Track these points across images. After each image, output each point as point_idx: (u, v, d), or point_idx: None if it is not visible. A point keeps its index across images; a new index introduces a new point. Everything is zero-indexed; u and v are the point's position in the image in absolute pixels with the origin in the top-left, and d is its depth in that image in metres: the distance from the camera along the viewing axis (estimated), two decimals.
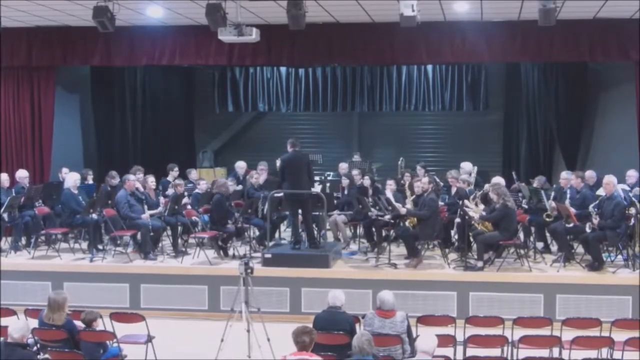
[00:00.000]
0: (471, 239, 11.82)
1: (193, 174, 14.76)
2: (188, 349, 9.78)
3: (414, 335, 7.60)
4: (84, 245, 12.92)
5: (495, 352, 8.08)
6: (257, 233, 13.06)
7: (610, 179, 11.11)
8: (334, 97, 19.04)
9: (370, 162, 16.94)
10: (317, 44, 13.59)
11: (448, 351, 7.82)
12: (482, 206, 11.53)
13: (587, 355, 7.69)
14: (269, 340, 8.79)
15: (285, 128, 19.99)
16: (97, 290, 11.50)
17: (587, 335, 8.18)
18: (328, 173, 16.45)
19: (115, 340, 8.19)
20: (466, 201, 11.65)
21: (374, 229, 12.57)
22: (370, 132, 19.89)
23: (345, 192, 13.29)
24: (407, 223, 11.68)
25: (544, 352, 8.10)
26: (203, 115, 20.38)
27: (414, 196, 11.89)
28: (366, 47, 13.60)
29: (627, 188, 12.07)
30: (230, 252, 12.46)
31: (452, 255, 12.10)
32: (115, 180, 13.16)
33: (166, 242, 12.99)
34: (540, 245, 12.34)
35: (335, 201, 13.20)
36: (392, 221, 11.98)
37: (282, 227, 14.01)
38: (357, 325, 7.98)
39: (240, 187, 13.82)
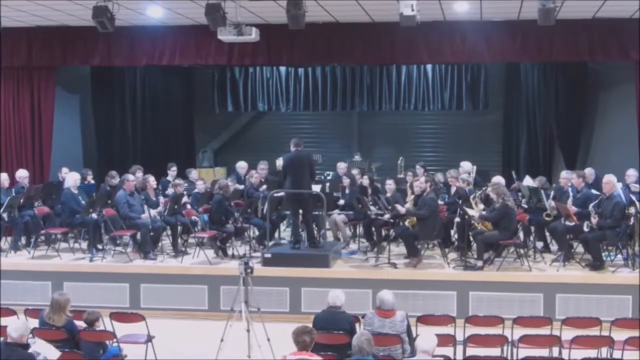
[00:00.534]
0: (471, 239, 11.82)
1: (193, 173, 14.77)
2: (188, 349, 9.78)
3: (414, 334, 7.60)
4: (84, 245, 12.91)
5: (495, 351, 8.09)
6: (257, 233, 13.06)
7: (609, 178, 11.12)
8: (333, 96, 19.05)
9: (369, 162, 16.95)
10: (317, 43, 13.59)
11: (448, 351, 7.82)
12: (481, 206, 11.53)
13: (587, 355, 7.69)
14: (269, 340, 8.79)
15: (285, 128, 20.00)
16: (97, 290, 11.50)
17: (587, 335, 8.18)
18: (328, 173, 16.45)
19: (115, 340, 8.19)
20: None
21: (373, 229, 12.57)
22: (370, 132, 19.89)
23: (347, 191, 13.28)
24: (406, 223, 11.68)
25: (544, 352, 8.10)
26: (203, 115, 20.39)
27: (413, 196, 11.89)
28: (366, 47, 13.60)
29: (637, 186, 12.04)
30: (230, 251, 12.46)
31: (452, 255, 12.11)
32: (115, 180, 13.16)
33: (166, 241, 12.99)
34: (540, 244, 12.35)
35: (341, 201, 13.20)
36: (392, 221, 11.98)
37: (282, 226, 14.01)
38: (357, 325, 7.98)
39: (241, 186, 13.84)
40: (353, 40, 13.53)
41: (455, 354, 7.97)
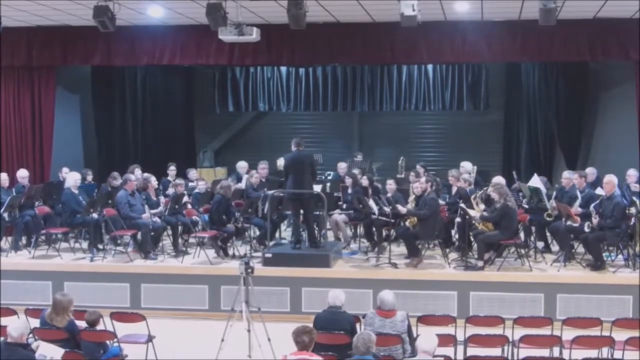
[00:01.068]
0: (471, 239, 11.82)
1: (191, 173, 14.78)
2: (188, 349, 9.79)
3: (415, 334, 7.60)
4: (85, 244, 12.92)
5: (496, 351, 8.08)
6: (258, 233, 13.06)
7: (610, 178, 11.11)
8: (334, 96, 19.04)
9: (370, 162, 16.95)
10: (318, 43, 13.59)
11: (448, 351, 7.82)
12: (482, 206, 11.52)
13: (588, 355, 7.69)
14: (269, 340, 8.79)
15: (285, 128, 19.99)
16: (98, 290, 11.50)
17: (588, 335, 8.18)
18: (328, 172, 16.45)
19: (115, 340, 8.19)
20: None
21: (374, 229, 12.57)
22: (370, 132, 19.89)
23: (349, 191, 13.27)
24: (407, 223, 11.68)
25: (545, 352, 8.10)
26: (203, 115, 20.39)
27: (413, 195, 11.88)
28: (366, 47, 13.60)
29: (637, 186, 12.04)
30: (231, 251, 12.45)
31: (453, 255, 12.10)
32: (117, 181, 13.19)
33: (166, 241, 12.99)
34: (540, 244, 12.35)
35: (344, 203, 13.20)
36: (393, 221, 11.98)
37: (283, 226, 14.01)
38: (357, 325, 7.98)
39: (242, 185, 13.84)
40: (354, 40, 13.53)
41: (455, 354, 7.97)
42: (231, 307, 9.10)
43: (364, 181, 13.07)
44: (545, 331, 8.50)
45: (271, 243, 12.53)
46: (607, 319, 8.78)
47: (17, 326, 7.00)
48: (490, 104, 18.68)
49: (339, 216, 13.00)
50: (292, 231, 12.58)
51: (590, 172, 12.78)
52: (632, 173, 12.34)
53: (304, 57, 14.20)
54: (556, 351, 8.16)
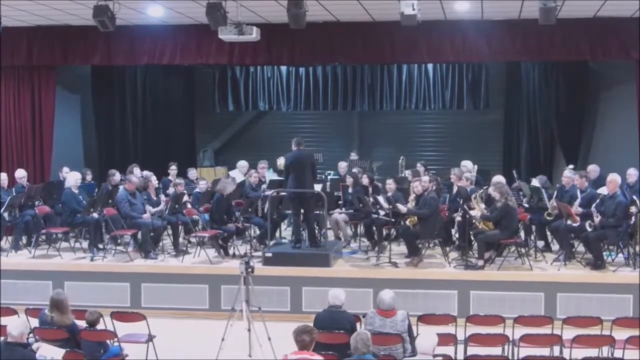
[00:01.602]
0: (472, 238, 11.81)
1: (191, 173, 14.79)
2: (189, 349, 9.79)
3: (415, 334, 7.59)
4: (85, 244, 12.92)
5: (496, 350, 8.09)
6: (258, 232, 13.06)
7: (613, 177, 11.12)
8: (334, 96, 19.03)
9: (371, 161, 16.95)
10: (318, 43, 13.59)
11: (449, 350, 7.82)
12: (483, 205, 11.52)
13: (588, 354, 7.69)
14: (269, 339, 8.80)
15: (285, 127, 19.99)
16: (98, 290, 11.50)
17: (588, 334, 8.18)
18: (328, 172, 16.45)
19: (116, 339, 8.19)
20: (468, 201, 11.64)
21: (374, 228, 12.57)
22: (370, 131, 19.88)
23: (350, 190, 13.26)
24: (407, 222, 11.68)
25: (545, 351, 8.10)
26: (203, 115, 20.38)
27: (414, 195, 11.87)
28: (367, 46, 13.60)
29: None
30: (231, 251, 12.46)
31: (453, 254, 12.10)
32: (116, 177, 13.18)
33: (167, 241, 12.99)
34: (541, 244, 12.35)
35: (344, 203, 13.20)
36: (393, 220, 11.99)
37: (283, 226, 14.01)
38: (357, 324, 7.98)
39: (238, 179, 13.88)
40: (354, 40, 13.53)
41: (456, 353, 7.96)
42: (231, 307, 9.11)
43: (365, 180, 13.07)
44: (545, 330, 8.49)
45: (271, 242, 12.54)
46: (607, 318, 8.76)
47: (17, 326, 6.99)
48: (491, 104, 18.67)
49: (339, 215, 13.00)
50: (293, 230, 12.59)
51: (593, 169, 12.77)
52: (632, 172, 12.33)
53: (304, 56, 14.19)
54: (556, 350, 8.16)
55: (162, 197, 13.13)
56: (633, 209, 11.16)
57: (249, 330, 8.91)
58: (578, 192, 11.69)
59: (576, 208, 11.34)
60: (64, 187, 12.85)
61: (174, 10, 12.51)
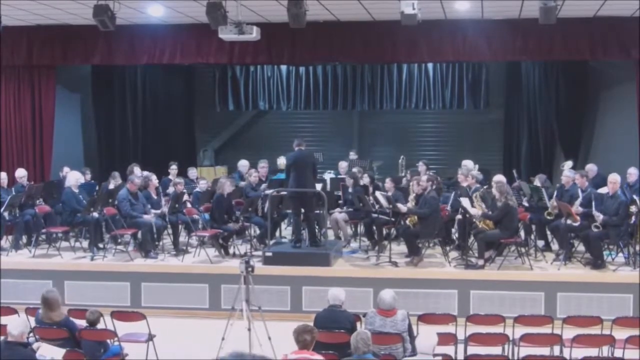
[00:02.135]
0: (472, 237, 11.81)
1: (191, 172, 14.79)
2: (189, 348, 9.78)
3: (415, 333, 7.60)
4: (85, 243, 12.92)
5: (496, 350, 8.09)
6: (258, 231, 13.06)
7: (615, 177, 11.12)
8: (334, 95, 19.03)
9: (371, 161, 16.95)
10: (318, 42, 13.59)
11: (449, 349, 7.82)
12: (483, 204, 11.51)
13: (588, 354, 7.70)
14: (270, 338, 8.79)
15: (285, 126, 19.98)
16: (98, 289, 11.51)
17: (588, 334, 8.19)
18: (329, 171, 16.44)
19: (116, 338, 8.18)
20: (467, 199, 11.63)
21: (374, 227, 12.57)
22: (370, 131, 19.87)
23: (350, 190, 13.26)
24: (407, 221, 11.68)
25: (545, 350, 8.11)
26: (203, 114, 20.37)
27: (414, 194, 11.87)
28: (367, 46, 13.60)
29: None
30: (231, 250, 12.46)
31: (453, 254, 12.10)
32: (117, 181, 13.19)
33: (167, 240, 13.00)
34: (541, 243, 12.35)
35: (344, 203, 13.20)
36: (393, 219, 11.98)
37: (283, 225, 14.01)
38: (358, 324, 7.98)
39: (243, 183, 13.87)
40: (354, 39, 13.54)
41: (456, 352, 7.96)
42: (232, 306, 9.10)
43: (365, 179, 13.07)
44: (545, 330, 8.49)
45: (271, 242, 12.53)
46: (607, 317, 8.77)
47: (17, 325, 6.99)
48: (491, 103, 18.67)
49: (339, 215, 13.00)
50: (293, 230, 12.59)
51: (591, 168, 12.77)
52: (632, 172, 12.33)
53: (304, 55, 14.19)
54: (556, 350, 8.16)
55: (163, 202, 13.08)
56: (633, 209, 11.15)
57: (249, 329, 8.90)
58: (579, 192, 11.69)
59: (577, 207, 11.33)
60: (64, 187, 12.85)
61: (174, 10, 12.51)
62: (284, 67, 19.03)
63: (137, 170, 13.43)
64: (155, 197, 12.88)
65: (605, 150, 15.99)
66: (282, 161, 16.69)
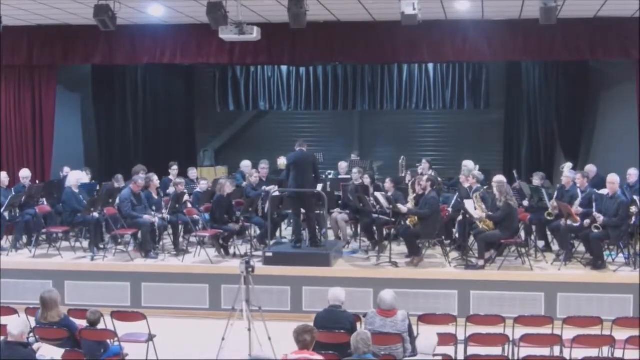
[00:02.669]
0: (472, 238, 11.81)
1: (192, 172, 14.79)
2: (189, 348, 9.78)
3: (415, 333, 7.60)
4: (85, 244, 12.92)
5: (497, 350, 8.09)
6: (258, 232, 13.06)
7: (614, 178, 11.11)
8: (335, 95, 19.05)
9: (371, 161, 16.95)
10: (318, 42, 13.59)
11: (449, 350, 7.81)
12: (483, 205, 11.50)
13: (588, 354, 7.69)
14: (270, 339, 8.78)
15: (286, 127, 20.01)
16: (98, 289, 11.51)
17: (588, 334, 8.18)
18: (329, 172, 16.44)
19: (116, 339, 8.19)
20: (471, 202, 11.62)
21: (374, 228, 12.56)
22: (371, 131, 19.89)
23: (371, 192, 13.21)
24: (407, 222, 11.68)
25: (545, 351, 8.10)
26: (204, 114, 20.39)
27: (415, 194, 11.86)
28: (367, 46, 13.60)
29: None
30: (232, 250, 12.46)
31: (453, 254, 12.10)
32: (121, 184, 13.19)
33: (167, 240, 12.99)
34: (541, 243, 12.34)
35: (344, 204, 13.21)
36: (393, 220, 11.98)
37: (283, 225, 14.01)
38: (358, 324, 7.98)
39: (245, 184, 13.88)
40: (354, 39, 13.53)
41: (456, 353, 7.96)
42: (232, 306, 9.10)
43: (366, 180, 13.07)
44: (545, 330, 8.49)
45: (272, 242, 12.53)
46: (607, 318, 8.76)
47: (18, 325, 6.99)
48: (491, 103, 18.68)
49: (339, 215, 13.00)
50: (293, 230, 12.58)
51: (590, 169, 12.76)
52: (632, 172, 12.33)
53: (305, 56, 14.19)
54: (557, 350, 8.16)
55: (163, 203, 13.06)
56: (633, 209, 11.15)
57: (249, 329, 8.90)
58: (579, 192, 11.68)
59: (576, 208, 11.33)
60: (65, 187, 12.85)
61: (174, 10, 12.51)
62: (284, 68, 19.05)
63: (142, 174, 13.28)
64: (156, 197, 12.88)
65: (605, 150, 15.98)
66: (282, 161, 16.69)
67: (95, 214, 12.34)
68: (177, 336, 10.17)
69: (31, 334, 7.78)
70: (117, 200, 12.45)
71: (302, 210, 11.88)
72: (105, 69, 16.23)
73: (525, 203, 12.46)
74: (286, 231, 13.98)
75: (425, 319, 8.64)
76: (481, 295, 10.93)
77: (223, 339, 8.88)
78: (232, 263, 11.54)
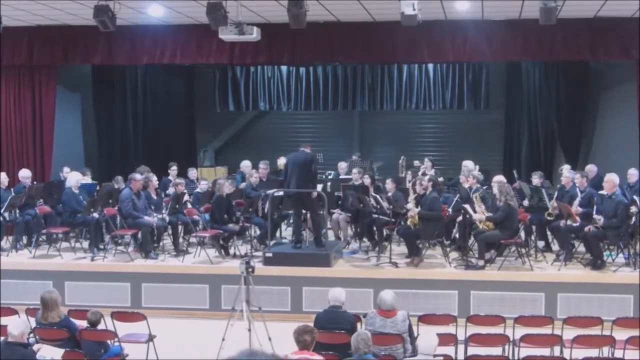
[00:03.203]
0: (472, 238, 11.81)
1: (192, 172, 14.79)
2: (189, 348, 9.78)
3: (415, 334, 7.60)
4: (85, 244, 12.91)
5: (497, 351, 8.09)
6: (258, 232, 13.06)
7: (610, 177, 11.10)
8: (334, 95, 19.06)
9: (371, 161, 16.95)
10: (318, 42, 13.60)
11: (449, 350, 7.81)
12: (483, 206, 11.50)
13: (588, 354, 7.69)
14: (270, 339, 8.79)
15: (286, 127, 20.01)
16: (98, 290, 11.51)
17: (588, 334, 8.19)
18: (329, 172, 16.45)
19: (116, 339, 8.19)
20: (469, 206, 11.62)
21: (374, 228, 12.56)
22: (371, 131, 19.89)
23: (389, 194, 13.20)
24: (408, 222, 11.68)
25: (545, 351, 8.10)
26: (204, 114, 20.39)
27: (415, 194, 11.85)
28: (367, 46, 13.61)
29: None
30: (232, 251, 12.47)
31: (453, 254, 12.10)
32: (121, 186, 13.19)
33: (167, 241, 12.99)
34: (541, 244, 12.35)
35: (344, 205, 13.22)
36: (393, 220, 11.98)
37: (283, 226, 14.01)
38: (358, 324, 7.98)
39: (244, 184, 13.87)
40: (354, 40, 13.54)
41: (456, 353, 7.96)
42: (232, 307, 9.10)
43: (366, 180, 13.07)
44: (545, 330, 8.49)
45: (272, 242, 12.54)
46: (607, 318, 8.77)
47: (18, 325, 7.00)
48: (491, 103, 18.69)
49: (339, 215, 13.00)
50: (293, 230, 12.58)
51: (590, 169, 12.76)
52: (633, 172, 12.33)
53: (305, 56, 14.20)
54: (557, 350, 8.16)
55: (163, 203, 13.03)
56: (633, 209, 11.15)
57: (249, 330, 8.90)
58: (578, 192, 11.68)
59: (576, 208, 11.33)
60: (65, 187, 12.85)
61: (174, 10, 12.51)
62: (284, 68, 19.05)
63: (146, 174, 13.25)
64: (155, 197, 12.88)
65: (605, 150, 15.99)
66: (282, 161, 16.69)
67: (95, 215, 12.35)
68: (177, 336, 10.17)
69: (31, 335, 7.79)
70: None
71: (303, 211, 11.87)
72: (105, 69, 16.24)
73: (526, 203, 12.47)
74: (286, 231, 13.98)
75: (426, 319, 8.64)
76: (481, 296, 10.93)
77: (223, 339, 8.88)
78: (232, 263, 11.53)
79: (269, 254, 11.57)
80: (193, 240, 12.88)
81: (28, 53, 14.16)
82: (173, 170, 14.20)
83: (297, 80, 19.20)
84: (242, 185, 13.98)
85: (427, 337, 6.70)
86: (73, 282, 11.61)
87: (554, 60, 15.95)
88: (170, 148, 18.10)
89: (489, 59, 15.66)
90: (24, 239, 12.97)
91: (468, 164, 13.94)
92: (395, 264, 11.51)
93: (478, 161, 14.89)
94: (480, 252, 11.31)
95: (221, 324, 9.06)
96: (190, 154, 19.84)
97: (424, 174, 13.69)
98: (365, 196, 12.23)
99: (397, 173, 15.53)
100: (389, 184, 12.60)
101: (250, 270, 8.94)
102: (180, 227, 12.89)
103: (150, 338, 8.59)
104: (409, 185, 12.63)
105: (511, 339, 8.13)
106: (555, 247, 12.26)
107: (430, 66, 18.44)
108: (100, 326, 8.10)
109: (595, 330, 8.47)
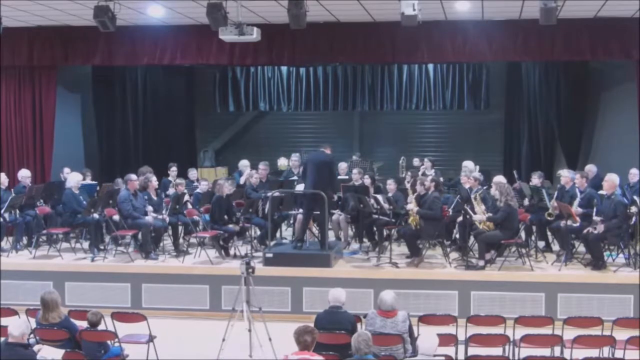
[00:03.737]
0: (472, 238, 11.81)
1: (192, 173, 14.79)
2: (189, 349, 9.78)
3: (416, 334, 7.60)
4: (85, 245, 12.91)
5: (497, 351, 8.08)
6: (259, 232, 13.06)
7: (610, 177, 11.10)
8: (335, 96, 19.04)
9: (371, 161, 16.94)
10: (318, 43, 13.60)
11: (449, 350, 7.81)
12: (483, 206, 11.50)
13: (589, 354, 7.68)
14: (270, 339, 8.80)
15: (286, 127, 20.00)
16: (99, 290, 11.52)
17: (589, 334, 8.18)
18: None
19: (116, 339, 8.19)
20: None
21: (375, 228, 12.56)
22: (371, 131, 19.88)
23: (390, 195, 13.19)
24: (409, 222, 11.68)
25: (546, 351, 8.10)
26: (204, 115, 20.38)
27: (416, 194, 11.85)
28: (367, 47, 13.60)
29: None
30: (232, 251, 12.46)
31: (454, 255, 12.10)
32: (121, 188, 13.19)
33: (167, 241, 13.00)
34: (541, 244, 12.35)
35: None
36: (394, 220, 11.97)
37: (283, 226, 14.01)
38: (358, 325, 7.98)
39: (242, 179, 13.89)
40: (354, 40, 13.53)
41: (457, 353, 7.96)
42: (232, 307, 9.11)
43: (366, 180, 13.07)
44: (546, 330, 8.49)
45: (272, 243, 12.53)
46: (608, 318, 8.75)
47: (18, 326, 7.00)
48: (491, 104, 18.67)
49: (340, 216, 13.00)
50: (293, 231, 12.57)
51: (590, 169, 12.75)
52: (634, 172, 12.33)
53: (305, 56, 14.20)
54: (557, 350, 8.16)
55: (163, 203, 13.04)
56: (633, 209, 11.15)
57: (249, 330, 8.91)
58: (578, 192, 11.68)
59: (575, 208, 11.33)
60: (65, 188, 12.85)
61: (174, 11, 12.51)
62: (284, 68, 19.04)
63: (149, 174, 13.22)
64: (155, 198, 12.88)
65: (605, 150, 15.98)
66: (282, 162, 16.72)
67: (96, 215, 12.35)
68: (177, 337, 10.16)
69: (32, 335, 7.78)
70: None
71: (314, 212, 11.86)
72: (105, 69, 16.24)
73: (526, 203, 12.46)
74: (286, 232, 13.97)
75: (426, 319, 8.63)
76: (481, 296, 10.92)
77: (223, 339, 8.89)
78: (233, 264, 11.55)
79: (269, 255, 11.57)
80: (193, 240, 12.89)
81: (28, 54, 14.17)
82: (173, 170, 14.21)
83: (297, 80, 19.19)
84: (242, 179, 13.94)
85: (428, 337, 6.70)
86: (73, 282, 11.61)
87: (554, 61, 15.94)
88: (170, 148, 18.11)
89: (489, 59, 15.64)
90: (24, 240, 12.97)
91: (468, 164, 13.94)
92: (396, 265, 11.51)
93: (478, 161, 14.89)
94: (480, 252, 11.31)
95: (221, 325, 9.06)
96: (191, 154, 19.84)
97: (423, 174, 13.69)
98: (366, 197, 12.24)
99: (397, 173, 15.53)
100: (391, 185, 12.59)
101: (250, 270, 8.95)
102: (180, 228, 12.89)
103: (151, 339, 8.58)
104: (407, 185, 12.62)
105: (511, 339, 8.12)
106: (556, 247, 12.26)
107: (431, 66, 18.43)
108: (101, 327, 8.09)
109: (595, 331, 8.47)
